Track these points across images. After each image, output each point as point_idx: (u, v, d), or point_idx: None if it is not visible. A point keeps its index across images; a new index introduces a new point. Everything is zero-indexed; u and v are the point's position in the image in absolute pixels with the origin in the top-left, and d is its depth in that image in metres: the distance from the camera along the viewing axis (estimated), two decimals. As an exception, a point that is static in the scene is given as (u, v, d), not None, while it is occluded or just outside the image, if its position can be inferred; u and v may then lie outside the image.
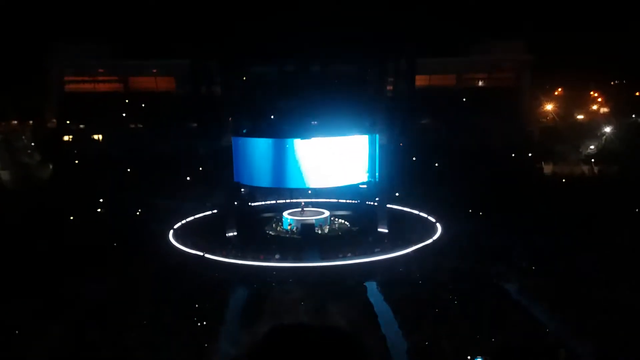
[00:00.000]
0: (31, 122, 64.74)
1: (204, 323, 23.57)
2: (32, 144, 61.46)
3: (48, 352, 20.72)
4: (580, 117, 69.69)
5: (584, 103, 70.92)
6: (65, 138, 63.40)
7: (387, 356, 20.39)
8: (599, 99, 71.19)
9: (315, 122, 40.05)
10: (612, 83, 72.42)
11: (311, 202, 47.52)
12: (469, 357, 18.90)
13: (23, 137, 61.39)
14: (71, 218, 42.32)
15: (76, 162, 57.82)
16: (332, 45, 37.23)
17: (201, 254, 34.35)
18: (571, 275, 28.08)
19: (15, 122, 64.36)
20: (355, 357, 2.81)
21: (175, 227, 41.16)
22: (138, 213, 45.95)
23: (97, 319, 23.83)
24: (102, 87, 64.37)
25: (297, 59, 39.13)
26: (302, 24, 37.03)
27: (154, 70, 64.49)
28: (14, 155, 58.81)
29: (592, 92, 71.66)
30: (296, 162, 39.41)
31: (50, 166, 58.60)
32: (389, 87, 42.79)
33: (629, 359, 19.39)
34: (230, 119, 39.49)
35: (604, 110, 69.45)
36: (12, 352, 20.44)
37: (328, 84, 42.06)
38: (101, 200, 47.76)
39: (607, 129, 63.03)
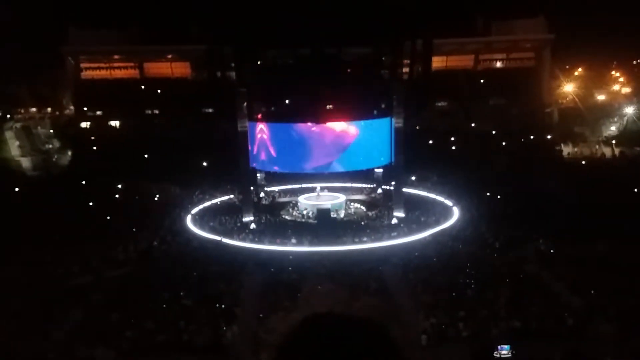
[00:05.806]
0: (49, 109, 65.53)
1: (222, 306, 23.79)
2: (51, 130, 62.30)
3: (70, 335, 21.08)
4: (601, 97, 68.19)
5: (605, 83, 69.34)
6: (83, 125, 63.98)
7: (404, 340, 20.34)
8: (621, 79, 69.57)
9: (330, 107, 39.71)
10: (634, 62, 70.64)
11: (327, 186, 47.29)
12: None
13: (40, 125, 62.28)
14: (90, 204, 42.81)
15: (94, 148, 58.39)
16: (347, 27, 36.72)
17: (218, 238, 34.63)
18: (591, 258, 27.63)
19: (34, 109, 65.19)
20: (376, 344, 2.75)
21: (193, 212, 41.48)
22: (156, 198, 46.38)
23: (117, 303, 24.21)
24: (118, 73, 64.66)
25: (311, 43, 38.72)
26: (316, 7, 36.51)
27: (169, 56, 64.54)
28: (33, 143, 59.72)
29: (613, 72, 70.03)
30: (312, 146, 39.25)
31: (69, 152, 59.34)
32: (405, 70, 42.22)
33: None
34: (245, 104, 39.36)
35: (625, 90, 67.83)
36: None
37: (343, 68, 41.66)
38: (119, 185, 48.23)
39: (629, 110, 61.64)
